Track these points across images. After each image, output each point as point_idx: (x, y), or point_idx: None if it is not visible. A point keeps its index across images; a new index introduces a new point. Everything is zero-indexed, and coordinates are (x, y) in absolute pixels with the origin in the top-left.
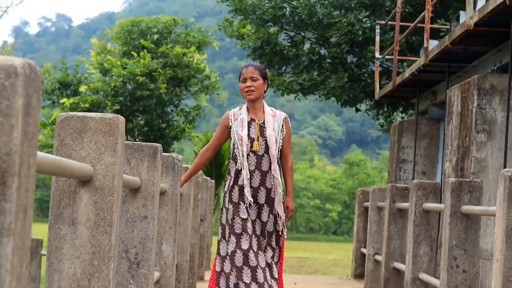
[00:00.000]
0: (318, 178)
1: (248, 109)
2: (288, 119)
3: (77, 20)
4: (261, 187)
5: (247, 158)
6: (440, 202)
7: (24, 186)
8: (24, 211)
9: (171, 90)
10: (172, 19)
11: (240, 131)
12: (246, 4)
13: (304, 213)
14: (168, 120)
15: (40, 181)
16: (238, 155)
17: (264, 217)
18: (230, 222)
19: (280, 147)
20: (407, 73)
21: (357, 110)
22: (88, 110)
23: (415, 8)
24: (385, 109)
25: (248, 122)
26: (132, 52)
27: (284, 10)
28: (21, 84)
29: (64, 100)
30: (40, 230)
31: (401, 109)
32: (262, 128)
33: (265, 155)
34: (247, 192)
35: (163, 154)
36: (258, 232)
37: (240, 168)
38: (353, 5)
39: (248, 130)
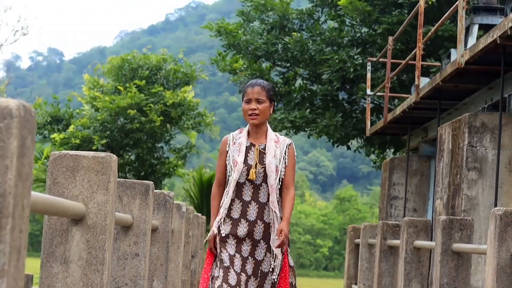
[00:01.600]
0: (309, 213)
1: (248, 133)
2: (293, 146)
3: (68, 54)
4: (258, 220)
5: (242, 187)
6: (431, 240)
7: (18, 227)
8: (18, 252)
9: (162, 126)
10: (162, 57)
11: (236, 156)
12: (239, 40)
13: (295, 248)
14: (159, 156)
15: (31, 215)
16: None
17: (260, 255)
18: (218, 256)
19: (282, 177)
20: (398, 110)
21: (348, 148)
22: (79, 145)
23: (406, 45)
24: (376, 146)
25: (246, 147)
26: (119, 87)
27: (277, 46)
28: (16, 126)
29: (55, 135)
30: (30, 265)
31: (393, 149)
32: (262, 154)
33: (263, 184)
34: (219, 224)
35: (155, 191)
36: (249, 272)
37: (233, 198)
38: (344, 42)
39: (246, 155)
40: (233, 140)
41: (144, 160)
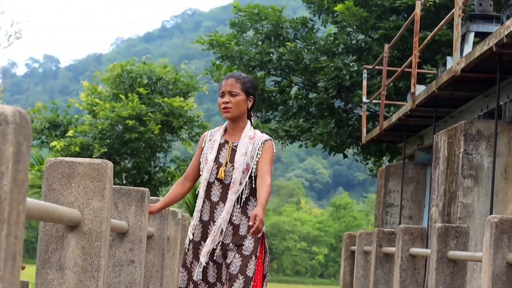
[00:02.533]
0: (304, 220)
1: (226, 130)
2: (272, 143)
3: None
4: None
5: (211, 187)
6: (427, 247)
7: (13, 233)
8: (13, 258)
9: (161, 135)
10: (163, 66)
11: (208, 154)
12: (232, 51)
13: (291, 255)
14: (158, 165)
15: (26, 222)
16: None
17: (229, 258)
18: (189, 266)
19: (253, 174)
20: (394, 117)
21: (345, 156)
22: (78, 153)
23: (402, 52)
24: (372, 154)
25: (220, 144)
26: (121, 95)
27: (271, 55)
28: (11, 132)
29: (54, 143)
30: (26, 272)
31: (389, 156)
32: (234, 151)
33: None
34: (194, 230)
35: (151, 197)
36: (223, 279)
37: (204, 199)
38: (340, 50)
39: (218, 153)
40: (210, 136)
41: (141, 167)
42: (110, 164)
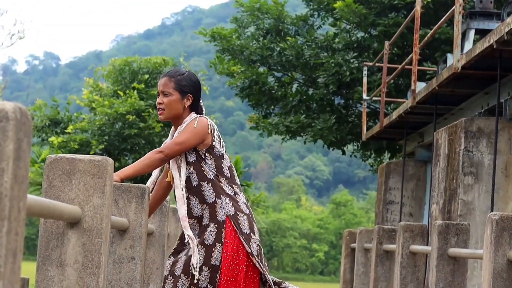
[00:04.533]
0: (304, 218)
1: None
2: (197, 120)
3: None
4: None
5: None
6: (427, 244)
7: (14, 229)
8: (14, 254)
9: (162, 130)
10: (162, 59)
11: None
12: (233, 45)
13: (291, 253)
14: None
15: (26, 219)
16: None
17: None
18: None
19: (189, 172)
20: (395, 114)
21: (343, 152)
22: (77, 150)
23: (402, 49)
24: (372, 151)
25: None
26: (119, 92)
27: (272, 51)
28: (12, 129)
29: (53, 138)
30: (26, 269)
31: (389, 154)
32: None
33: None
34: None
35: (151, 194)
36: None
37: None
38: (340, 47)
39: None
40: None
41: None
42: (110, 161)
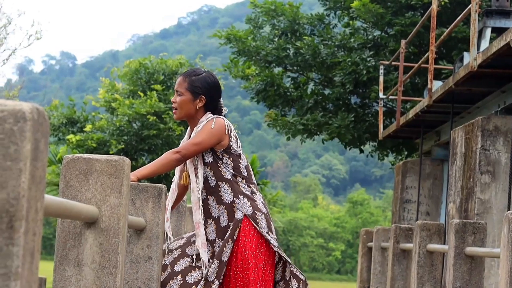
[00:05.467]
0: (321, 217)
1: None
2: (214, 120)
3: (81, 58)
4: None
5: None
6: (444, 243)
7: (31, 230)
8: (31, 254)
9: (182, 132)
10: (178, 62)
11: None
12: (249, 46)
13: (308, 252)
14: None
15: (44, 219)
16: None
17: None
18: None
19: (206, 173)
20: (411, 113)
21: (361, 151)
22: (94, 148)
23: (419, 48)
24: (389, 150)
25: None
26: (139, 92)
27: (288, 51)
28: (29, 129)
29: (70, 136)
30: (43, 268)
31: (406, 152)
32: None
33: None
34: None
35: (168, 194)
36: None
37: None
38: (356, 45)
39: None
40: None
41: None
42: (127, 160)
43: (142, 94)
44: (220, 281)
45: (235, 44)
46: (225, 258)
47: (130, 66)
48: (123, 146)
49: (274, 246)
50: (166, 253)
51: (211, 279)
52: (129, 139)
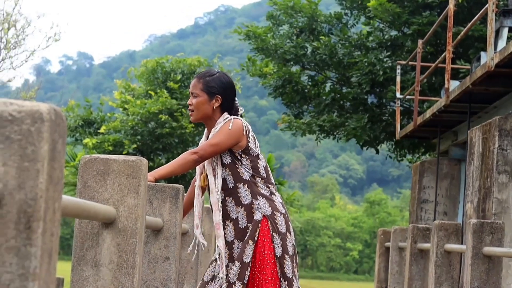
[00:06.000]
0: (339, 217)
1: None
2: (232, 121)
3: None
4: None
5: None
6: (462, 243)
7: (49, 230)
8: (49, 255)
9: (194, 129)
10: (197, 60)
11: None
12: (268, 44)
13: (325, 252)
14: None
15: (61, 219)
16: None
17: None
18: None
19: (224, 174)
20: (428, 113)
21: (377, 151)
22: (111, 151)
23: (435, 48)
24: (406, 149)
25: None
26: (150, 92)
27: (306, 49)
28: (46, 130)
29: (87, 140)
30: (60, 268)
31: (422, 150)
32: None
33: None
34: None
35: (185, 194)
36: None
37: None
38: (373, 45)
39: None
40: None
41: None
42: (144, 161)
43: (153, 93)
44: (243, 282)
45: (254, 41)
46: (247, 259)
47: (147, 66)
48: (136, 146)
49: (291, 245)
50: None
51: (233, 281)
52: (143, 139)
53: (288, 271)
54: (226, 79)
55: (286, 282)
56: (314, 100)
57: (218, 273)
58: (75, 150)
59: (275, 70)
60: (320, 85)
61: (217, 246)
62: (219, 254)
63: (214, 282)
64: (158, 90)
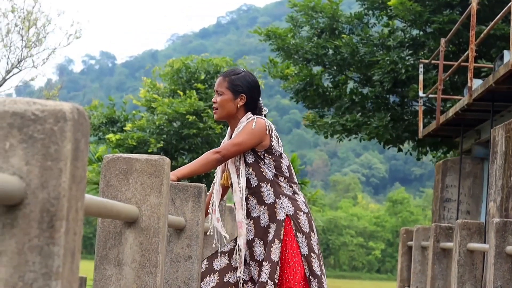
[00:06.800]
0: (361, 216)
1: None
2: (255, 120)
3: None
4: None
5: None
6: (485, 242)
7: (72, 229)
8: (72, 254)
9: (222, 131)
10: (222, 59)
11: None
12: (288, 44)
13: (347, 251)
14: None
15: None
16: None
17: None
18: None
19: (248, 174)
20: (451, 112)
21: (399, 150)
22: (134, 147)
23: (458, 46)
24: (428, 148)
25: None
26: (179, 91)
27: (327, 50)
28: (69, 129)
29: (110, 135)
30: (83, 267)
31: (445, 149)
32: None
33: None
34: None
35: (207, 193)
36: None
37: None
38: (395, 44)
39: None
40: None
41: None
42: (167, 160)
43: (182, 93)
44: (274, 282)
45: (275, 41)
46: (275, 258)
47: (172, 65)
48: (161, 145)
49: (316, 243)
50: (219, 255)
51: (264, 280)
52: (168, 138)
53: (317, 269)
54: (252, 78)
55: (315, 280)
56: (336, 102)
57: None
58: (98, 149)
59: (296, 72)
60: (342, 86)
61: (238, 244)
62: (239, 253)
63: (231, 274)
64: (187, 91)
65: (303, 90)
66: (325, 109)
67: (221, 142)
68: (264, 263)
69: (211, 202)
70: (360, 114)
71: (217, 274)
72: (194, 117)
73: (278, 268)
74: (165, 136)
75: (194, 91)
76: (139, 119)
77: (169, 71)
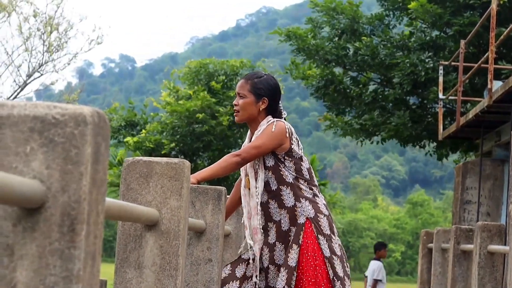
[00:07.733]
0: (381, 218)
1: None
2: (274, 123)
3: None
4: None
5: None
6: (505, 244)
7: (92, 233)
8: (93, 258)
9: (232, 128)
10: (241, 61)
11: None
12: (309, 44)
13: (367, 253)
14: None
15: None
16: None
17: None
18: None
19: (267, 177)
20: (471, 114)
21: (421, 147)
22: (152, 149)
23: (478, 48)
24: (448, 149)
25: None
26: (190, 92)
27: (347, 50)
28: (90, 133)
29: (128, 138)
30: (104, 270)
31: (465, 150)
32: None
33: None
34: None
35: (227, 196)
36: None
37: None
38: (415, 46)
39: None
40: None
41: None
42: (187, 163)
43: (191, 92)
44: (290, 287)
45: (295, 42)
46: (293, 263)
47: (190, 66)
48: (174, 145)
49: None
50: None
51: (280, 286)
52: (182, 138)
53: (340, 271)
54: (274, 81)
55: (339, 282)
56: (356, 100)
57: (251, 276)
58: (117, 152)
59: (317, 72)
60: (363, 86)
61: (252, 250)
62: (253, 259)
63: (247, 282)
64: (196, 87)
65: (324, 88)
66: (346, 107)
67: (236, 141)
68: (281, 269)
69: (243, 218)
70: (378, 114)
71: (238, 282)
72: (203, 114)
73: (295, 273)
74: (179, 136)
75: (201, 87)
76: (158, 121)
77: (187, 71)
